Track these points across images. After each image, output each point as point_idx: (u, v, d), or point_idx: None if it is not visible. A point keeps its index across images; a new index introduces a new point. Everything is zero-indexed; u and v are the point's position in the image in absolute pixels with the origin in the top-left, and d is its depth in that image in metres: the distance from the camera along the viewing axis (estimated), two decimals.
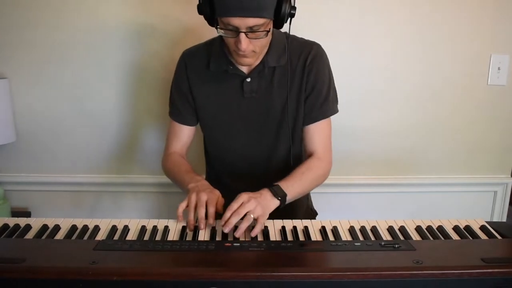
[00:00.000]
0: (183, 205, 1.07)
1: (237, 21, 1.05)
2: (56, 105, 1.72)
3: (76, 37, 1.65)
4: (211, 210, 1.05)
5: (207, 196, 1.07)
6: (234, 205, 1.03)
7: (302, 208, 1.42)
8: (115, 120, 1.75)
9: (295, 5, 1.12)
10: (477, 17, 1.72)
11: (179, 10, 1.63)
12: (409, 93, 1.79)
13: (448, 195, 1.92)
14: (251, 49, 1.12)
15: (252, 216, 1.01)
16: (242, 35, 1.07)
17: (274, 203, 1.09)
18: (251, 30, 1.07)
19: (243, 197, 1.04)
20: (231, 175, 1.35)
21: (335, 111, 1.30)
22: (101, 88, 1.71)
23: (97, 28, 1.64)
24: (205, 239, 1.00)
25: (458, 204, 1.93)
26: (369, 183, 1.86)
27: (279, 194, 1.10)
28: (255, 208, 1.02)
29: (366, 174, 1.86)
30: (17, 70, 1.68)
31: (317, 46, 1.27)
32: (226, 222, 1.00)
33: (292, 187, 1.14)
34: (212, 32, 1.20)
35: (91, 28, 1.64)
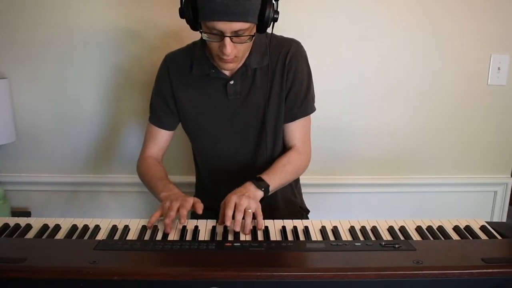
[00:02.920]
0: (156, 215, 1.05)
1: (222, 25, 1.05)
2: (56, 105, 1.72)
3: (76, 37, 1.65)
4: (183, 212, 1.04)
5: (180, 203, 1.06)
6: (231, 206, 1.03)
7: (293, 206, 1.43)
8: (116, 120, 1.75)
9: (278, 10, 1.12)
10: (477, 17, 1.72)
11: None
12: (409, 93, 1.79)
13: (448, 195, 1.92)
14: (235, 54, 1.12)
15: (250, 210, 1.04)
16: (227, 40, 1.07)
17: (259, 194, 1.13)
18: (235, 34, 1.07)
19: (233, 198, 1.06)
20: (217, 176, 1.36)
21: (314, 108, 1.32)
22: (100, 88, 1.71)
23: (93, 28, 1.64)
24: (205, 239, 1.00)
25: (458, 204, 1.93)
26: (369, 183, 1.86)
27: (263, 186, 1.14)
28: (249, 203, 1.05)
29: (366, 174, 1.86)
30: (17, 70, 1.68)
31: (296, 44, 1.27)
32: (235, 221, 1.01)
33: (274, 179, 1.18)
34: (194, 36, 1.20)
35: (88, 28, 1.64)
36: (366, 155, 1.84)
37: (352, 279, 0.78)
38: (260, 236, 1.02)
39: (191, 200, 1.08)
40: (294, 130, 1.31)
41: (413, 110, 1.81)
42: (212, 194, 1.30)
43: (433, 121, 1.82)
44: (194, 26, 1.12)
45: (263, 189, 1.14)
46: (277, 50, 1.25)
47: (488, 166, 1.91)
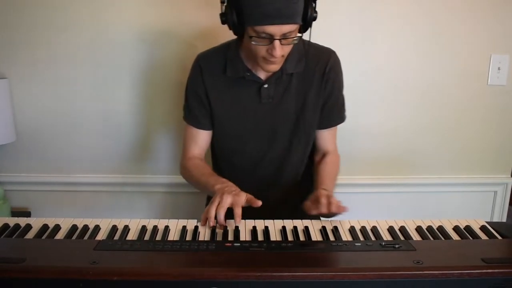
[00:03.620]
0: (212, 206, 1.04)
1: (272, 29, 1.05)
2: (56, 105, 1.72)
3: (77, 37, 1.65)
4: (237, 211, 1.04)
5: (232, 198, 1.05)
6: (324, 194, 1.10)
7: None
8: (116, 120, 1.75)
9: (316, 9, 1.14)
10: (477, 17, 1.72)
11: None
12: (408, 93, 1.79)
13: (448, 195, 1.92)
14: (281, 54, 1.12)
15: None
16: (277, 42, 1.07)
17: None
18: (284, 36, 1.07)
19: (323, 192, 1.12)
20: (242, 179, 1.31)
21: (345, 117, 1.38)
22: (100, 88, 1.71)
23: (99, 29, 1.64)
24: (205, 239, 1.00)
25: (458, 204, 1.93)
26: (369, 183, 1.86)
27: None
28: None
29: (366, 174, 1.86)
30: (17, 70, 1.68)
31: (334, 54, 1.30)
32: (330, 203, 1.07)
33: (332, 186, 1.24)
34: (226, 35, 1.20)
35: (94, 29, 1.64)
36: (366, 155, 1.84)
37: (352, 279, 0.78)
38: (260, 236, 1.02)
39: (243, 196, 1.07)
40: (330, 136, 1.36)
41: (413, 110, 1.81)
42: None
43: (433, 121, 1.82)
44: (239, 31, 1.13)
45: None
46: (315, 58, 1.26)
47: (488, 166, 1.91)
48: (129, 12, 1.63)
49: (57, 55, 1.66)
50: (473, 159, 1.89)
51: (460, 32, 1.73)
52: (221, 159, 1.39)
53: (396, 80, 1.77)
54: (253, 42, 1.10)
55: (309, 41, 1.23)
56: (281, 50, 1.09)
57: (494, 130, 1.86)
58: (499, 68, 1.78)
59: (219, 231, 1.02)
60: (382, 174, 1.87)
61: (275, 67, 1.17)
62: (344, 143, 1.80)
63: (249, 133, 1.30)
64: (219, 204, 1.04)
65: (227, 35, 1.20)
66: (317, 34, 1.38)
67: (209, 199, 1.44)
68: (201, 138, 1.33)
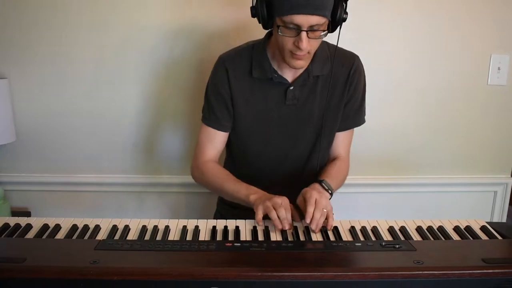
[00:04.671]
0: (260, 217, 1.06)
1: (301, 19, 1.05)
2: (56, 105, 1.72)
3: (77, 37, 1.65)
4: (288, 216, 1.06)
5: (284, 208, 1.06)
6: (312, 203, 1.06)
7: None
8: (116, 119, 1.74)
9: (347, 11, 1.14)
10: (477, 17, 1.72)
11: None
12: (408, 93, 1.78)
13: (448, 195, 1.92)
14: (308, 50, 1.11)
15: (325, 210, 1.06)
16: (304, 34, 1.07)
17: (327, 196, 1.16)
18: (311, 29, 1.07)
19: (314, 194, 1.08)
20: (261, 181, 1.30)
21: (364, 120, 1.38)
22: (100, 88, 1.71)
23: (100, 28, 1.64)
24: (206, 239, 1.00)
25: (458, 204, 1.93)
26: (370, 183, 1.86)
27: (329, 189, 1.19)
28: (326, 204, 1.08)
29: (366, 174, 1.86)
30: (17, 70, 1.68)
31: (358, 59, 1.31)
32: (312, 220, 1.03)
33: (333, 184, 1.22)
34: (242, 37, 1.18)
35: (95, 28, 1.64)
36: (366, 155, 1.83)
37: (352, 279, 0.78)
38: (260, 236, 1.02)
39: (282, 197, 1.09)
40: (343, 140, 1.36)
41: (413, 110, 1.80)
42: None
43: (433, 121, 1.82)
44: (268, 23, 1.14)
45: (330, 191, 1.18)
46: (340, 61, 1.27)
47: (488, 166, 1.91)
48: (131, 11, 1.63)
49: (57, 55, 1.66)
50: (473, 159, 1.89)
51: (460, 32, 1.73)
52: (240, 161, 1.38)
53: (395, 80, 1.77)
54: (280, 33, 1.10)
55: (335, 45, 1.23)
56: (307, 43, 1.09)
57: (494, 130, 1.86)
58: (499, 68, 1.78)
59: (220, 229, 1.02)
60: (382, 174, 1.87)
61: (301, 64, 1.16)
62: None
63: (272, 135, 1.29)
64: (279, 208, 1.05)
65: (242, 36, 1.19)
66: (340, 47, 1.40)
67: (221, 201, 1.47)
68: (219, 140, 1.32)
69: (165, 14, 1.64)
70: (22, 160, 1.78)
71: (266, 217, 1.07)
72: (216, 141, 1.32)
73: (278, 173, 1.33)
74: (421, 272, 0.79)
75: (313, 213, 1.04)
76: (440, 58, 1.75)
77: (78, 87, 1.70)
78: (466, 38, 1.74)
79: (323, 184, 1.18)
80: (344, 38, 1.69)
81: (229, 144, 1.38)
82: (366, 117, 1.65)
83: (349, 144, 1.39)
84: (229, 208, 1.41)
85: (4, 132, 1.63)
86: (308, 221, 1.03)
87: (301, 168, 1.34)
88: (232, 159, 1.40)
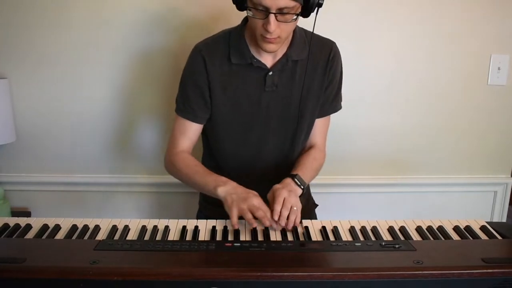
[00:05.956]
0: (235, 220, 1.05)
1: (268, 1, 1.05)
2: (56, 105, 1.72)
3: (77, 37, 1.65)
4: (267, 214, 1.06)
5: (254, 201, 1.07)
6: (280, 202, 1.06)
7: (307, 199, 1.43)
8: (115, 120, 1.75)
9: None
10: (477, 17, 1.72)
11: (180, 2, 1.61)
12: (409, 93, 1.79)
13: (448, 195, 1.92)
14: (278, 34, 1.10)
15: (295, 208, 1.06)
16: (272, 16, 1.06)
17: (299, 191, 1.16)
18: (280, 12, 1.07)
19: (283, 193, 1.08)
20: (242, 171, 1.31)
21: (340, 106, 1.36)
22: (101, 88, 1.71)
23: (97, 27, 1.64)
24: (205, 239, 1.00)
25: (458, 204, 1.93)
26: (369, 183, 1.86)
27: (302, 184, 1.18)
28: (296, 201, 1.08)
29: (366, 174, 1.86)
30: (17, 70, 1.68)
31: (335, 45, 1.30)
32: (280, 217, 1.04)
33: (307, 176, 1.22)
34: (218, 26, 1.17)
35: (91, 27, 1.64)
36: (366, 155, 1.83)
37: (352, 279, 0.78)
38: (260, 236, 1.02)
39: (253, 192, 1.10)
40: (320, 127, 1.34)
41: (413, 110, 1.81)
42: None
43: (432, 121, 1.82)
44: (241, 5, 1.13)
45: (302, 186, 1.17)
46: (318, 47, 1.26)
47: (488, 166, 1.91)
48: (129, 10, 1.63)
49: (57, 55, 1.66)
50: (473, 159, 1.89)
51: (460, 32, 1.73)
52: (219, 152, 1.34)
53: (396, 80, 1.77)
54: (249, 14, 1.10)
55: (311, 32, 1.21)
56: (276, 26, 1.08)
57: (494, 130, 1.86)
58: (499, 68, 1.78)
59: (220, 229, 1.02)
60: (382, 174, 1.87)
61: (272, 47, 1.15)
62: (345, 143, 1.80)
63: (252, 121, 1.27)
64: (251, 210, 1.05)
65: (216, 24, 1.18)
66: (318, 34, 1.38)
67: (203, 197, 1.44)
68: (193, 132, 1.29)
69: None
70: (22, 160, 1.78)
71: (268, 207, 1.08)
72: (190, 132, 1.29)
73: (261, 160, 1.31)
74: (421, 272, 0.79)
75: (280, 211, 1.05)
76: (440, 58, 1.75)
77: (77, 87, 1.70)
78: (466, 38, 1.74)
79: (296, 180, 1.17)
80: (344, 38, 1.70)
81: (205, 135, 1.35)
82: (366, 117, 1.66)
83: (326, 132, 1.37)
84: (212, 207, 1.33)
85: (4, 132, 1.63)
86: (276, 218, 1.04)
87: (283, 155, 1.32)
88: (209, 150, 1.37)
